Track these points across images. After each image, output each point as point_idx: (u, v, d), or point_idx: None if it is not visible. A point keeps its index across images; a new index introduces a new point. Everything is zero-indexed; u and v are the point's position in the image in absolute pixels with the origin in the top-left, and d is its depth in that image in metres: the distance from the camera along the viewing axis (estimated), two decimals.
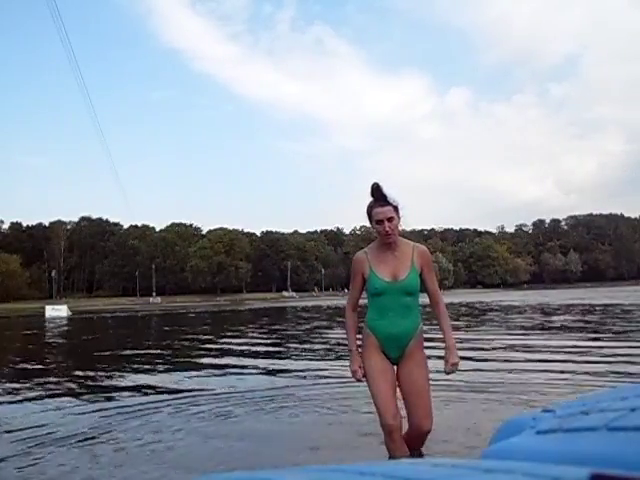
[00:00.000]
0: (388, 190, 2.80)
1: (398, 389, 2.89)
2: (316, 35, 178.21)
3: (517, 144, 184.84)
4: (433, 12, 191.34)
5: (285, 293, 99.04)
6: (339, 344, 9.84)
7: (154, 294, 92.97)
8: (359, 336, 3.01)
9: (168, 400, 5.16)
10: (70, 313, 39.69)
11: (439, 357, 2.99)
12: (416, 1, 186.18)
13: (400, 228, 2.88)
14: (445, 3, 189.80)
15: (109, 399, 5.41)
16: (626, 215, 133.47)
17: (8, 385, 6.68)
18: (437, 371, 3.16)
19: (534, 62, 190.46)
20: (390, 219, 2.78)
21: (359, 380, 2.94)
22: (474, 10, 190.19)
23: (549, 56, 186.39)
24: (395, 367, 2.91)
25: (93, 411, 4.79)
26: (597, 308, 20.08)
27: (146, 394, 5.64)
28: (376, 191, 2.79)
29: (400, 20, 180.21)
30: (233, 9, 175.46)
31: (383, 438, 2.86)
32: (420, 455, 2.87)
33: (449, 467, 0.57)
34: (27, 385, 6.55)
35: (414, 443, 2.88)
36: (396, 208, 2.82)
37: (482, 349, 8.41)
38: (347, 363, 2.98)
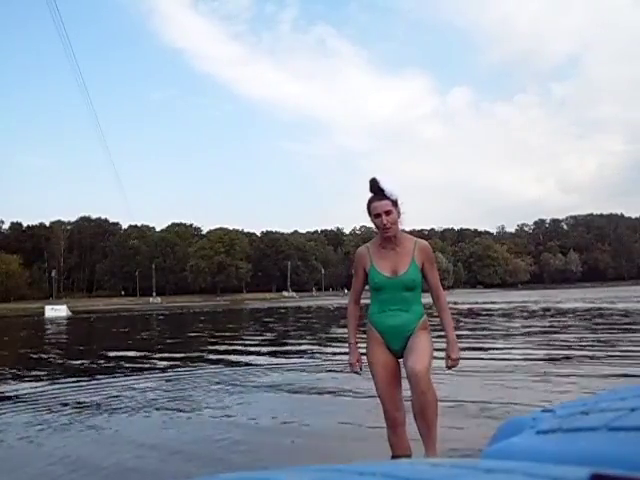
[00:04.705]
0: (386, 185, 2.80)
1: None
2: (318, 35, 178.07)
3: (518, 144, 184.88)
4: (435, 12, 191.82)
5: (285, 293, 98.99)
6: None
7: (154, 294, 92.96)
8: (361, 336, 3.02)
9: None
10: (70, 313, 39.69)
11: (440, 358, 2.99)
12: (418, 1, 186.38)
13: (400, 226, 2.88)
14: (447, 3, 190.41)
15: None
16: (626, 215, 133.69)
17: None
18: (438, 367, 3.14)
19: (536, 62, 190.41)
20: (388, 212, 2.78)
21: (356, 373, 2.98)
22: (476, 10, 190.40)
23: (551, 56, 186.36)
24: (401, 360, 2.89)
25: None
26: (574, 312, 18.84)
27: None
28: (374, 185, 2.81)
29: (402, 20, 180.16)
30: (235, 9, 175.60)
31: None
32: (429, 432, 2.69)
33: (449, 467, 0.57)
34: None
35: (418, 413, 2.69)
36: (395, 202, 2.83)
37: None
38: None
